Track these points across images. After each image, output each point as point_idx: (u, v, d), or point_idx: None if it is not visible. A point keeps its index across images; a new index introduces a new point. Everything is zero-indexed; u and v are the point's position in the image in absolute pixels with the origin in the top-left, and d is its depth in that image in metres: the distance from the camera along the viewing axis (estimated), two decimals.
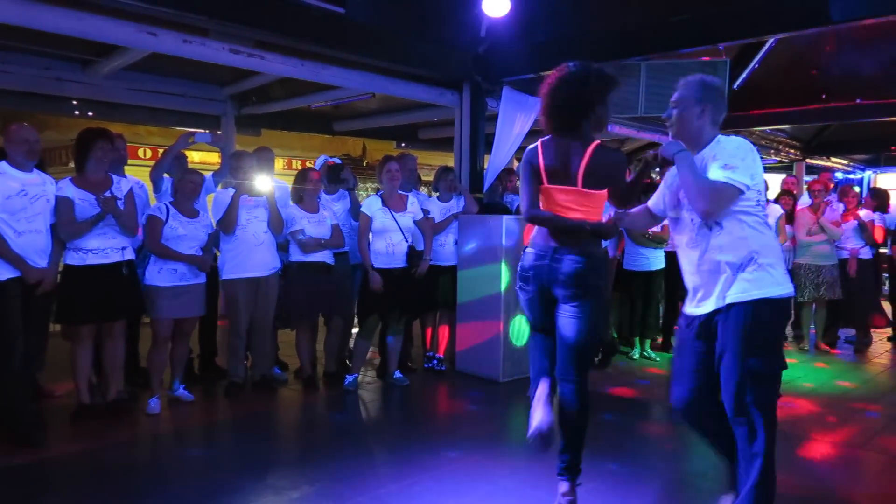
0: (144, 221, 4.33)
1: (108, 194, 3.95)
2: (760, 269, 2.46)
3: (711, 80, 2.65)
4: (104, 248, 4.00)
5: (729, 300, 2.47)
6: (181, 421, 4.28)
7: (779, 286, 2.48)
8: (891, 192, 7.36)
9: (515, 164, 8.26)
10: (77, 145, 4.08)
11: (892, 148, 11.13)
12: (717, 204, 2.45)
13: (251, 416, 4.39)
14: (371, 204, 4.85)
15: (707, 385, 2.59)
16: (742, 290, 2.45)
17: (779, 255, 2.58)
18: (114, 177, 4.18)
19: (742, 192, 2.46)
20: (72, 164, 4.15)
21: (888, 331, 7.02)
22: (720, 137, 2.60)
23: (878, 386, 5.34)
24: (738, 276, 2.47)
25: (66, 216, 3.90)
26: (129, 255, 4.14)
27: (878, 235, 6.70)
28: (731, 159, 2.47)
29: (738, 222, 2.49)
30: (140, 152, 9.71)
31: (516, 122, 6.08)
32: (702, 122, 2.59)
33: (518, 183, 4.17)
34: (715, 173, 2.46)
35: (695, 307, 2.62)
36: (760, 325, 2.44)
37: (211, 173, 5.29)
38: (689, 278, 2.66)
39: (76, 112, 7.11)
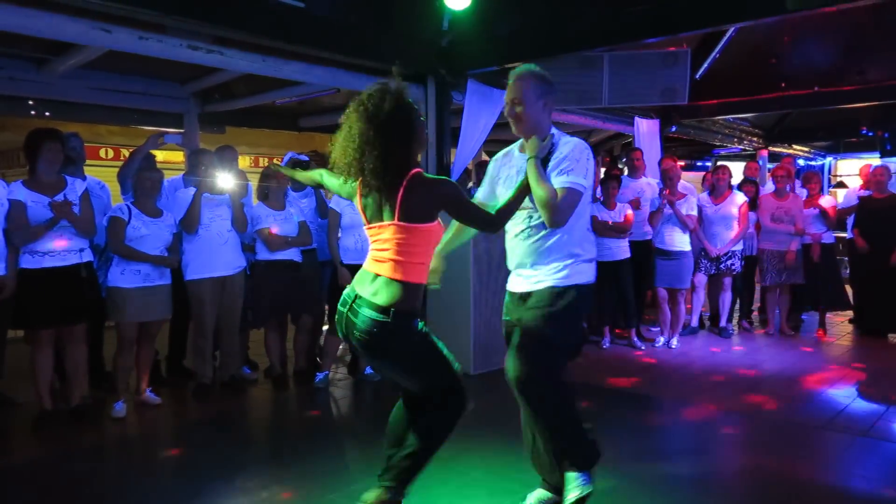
0: (106, 223, 4.24)
1: (60, 198, 3.86)
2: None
3: (543, 72, 2.65)
4: (61, 250, 3.91)
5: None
6: (148, 424, 4.22)
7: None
8: (850, 179, 7.51)
9: (485, 157, 8.28)
10: (26, 147, 3.98)
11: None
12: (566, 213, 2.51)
13: (220, 417, 4.34)
14: (340, 200, 4.81)
15: None
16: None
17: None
18: (68, 178, 4.08)
19: (582, 194, 2.53)
20: None
21: (849, 313, 7.19)
22: (554, 133, 2.64)
23: (841, 367, 5.47)
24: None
25: (19, 220, 3.80)
26: (88, 256, 4.06)
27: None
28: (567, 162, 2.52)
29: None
30: (102, 152, 9.55)
31: (482, 115, 6.08)
32: (544, 116, 2.64)
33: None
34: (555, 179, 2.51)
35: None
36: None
37: (181, 174, 5.21)
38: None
39: (33, 112, 6.91)
